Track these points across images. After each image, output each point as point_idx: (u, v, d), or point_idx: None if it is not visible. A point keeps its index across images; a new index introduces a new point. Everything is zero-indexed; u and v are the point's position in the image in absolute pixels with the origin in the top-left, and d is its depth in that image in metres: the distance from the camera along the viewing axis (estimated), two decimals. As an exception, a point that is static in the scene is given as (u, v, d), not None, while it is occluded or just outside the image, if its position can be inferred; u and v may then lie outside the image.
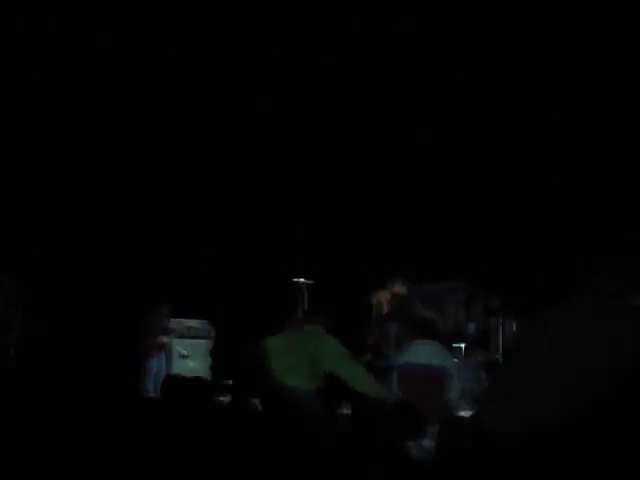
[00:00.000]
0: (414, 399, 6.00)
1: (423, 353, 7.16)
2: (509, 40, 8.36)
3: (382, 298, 9.62)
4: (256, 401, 6.40)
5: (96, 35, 9.85)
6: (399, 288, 9.59)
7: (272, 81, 10.19)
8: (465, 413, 6.08)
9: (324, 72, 9.79)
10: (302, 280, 9.70)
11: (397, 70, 9.43)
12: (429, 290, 10.00)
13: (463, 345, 9.82)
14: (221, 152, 11.26)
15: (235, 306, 11.54)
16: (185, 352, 11.80)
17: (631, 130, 8.65)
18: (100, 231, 11.63)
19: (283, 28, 9.54)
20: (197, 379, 5.66)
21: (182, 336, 11.87)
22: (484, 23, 8.22)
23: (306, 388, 6.46)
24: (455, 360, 7.58)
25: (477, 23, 8.25)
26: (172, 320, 11.77)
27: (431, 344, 7.28)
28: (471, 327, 9.66)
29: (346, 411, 7.21)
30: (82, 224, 11.54)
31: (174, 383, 5.40)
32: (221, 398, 8.38)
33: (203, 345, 11.85)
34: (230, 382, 10.14)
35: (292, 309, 9.34)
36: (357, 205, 11.19)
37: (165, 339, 11.52)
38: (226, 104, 10.74)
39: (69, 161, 11.27)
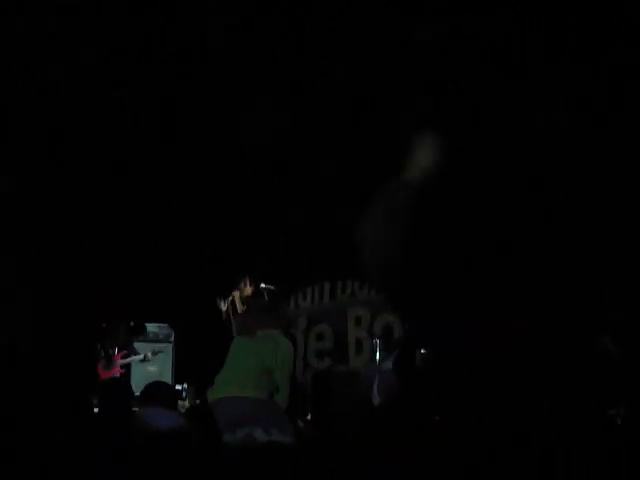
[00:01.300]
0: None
1: None
2: (511, 41, 8.39)
3: (235, 298, 9.63)
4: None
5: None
6: (247, 288, 9.61)
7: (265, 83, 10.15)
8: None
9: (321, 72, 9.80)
10: (265, 286, 9.60)
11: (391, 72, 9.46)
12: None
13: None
14: (185, 156, 11.18)
15: (196, 310, 11.39)
16: (142, 356, 11.60)
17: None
18: (57, 233, 11.47)
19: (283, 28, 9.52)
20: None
21: (142, 340, 11.72)
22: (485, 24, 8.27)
23: (256, 396, 6.29)
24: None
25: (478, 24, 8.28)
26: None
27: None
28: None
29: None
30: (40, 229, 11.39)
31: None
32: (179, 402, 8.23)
33: (163, 349, 11.64)
34: (182, 386, 9.99)
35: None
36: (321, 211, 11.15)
37: (122, 363, 11.24)
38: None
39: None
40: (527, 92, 8.84)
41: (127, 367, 11.32)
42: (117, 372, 11.09)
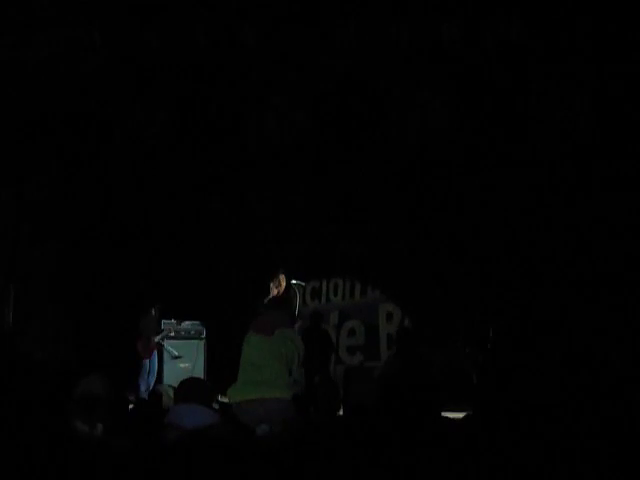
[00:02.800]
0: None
1: None
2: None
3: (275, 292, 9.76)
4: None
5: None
6: (283, 284, 9.73)
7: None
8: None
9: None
10: (296, 282, 9.61)
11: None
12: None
13: None
14: (215, 153, 11.25)
15: (228, 306, 11.46)
16: (177, 353, 11.71)
17: None
18: (91, 232, 11.60)
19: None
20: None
21: (174, 337, 11.80)
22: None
23: (284, 398, 6.34)
24: None
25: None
26: (164, 321, 11.74)
27: None
28: None
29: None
30: (73, 225, 11.52)
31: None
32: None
33: (195, 346, 11.72)
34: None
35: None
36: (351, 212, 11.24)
37: (158, 339, 11.51)
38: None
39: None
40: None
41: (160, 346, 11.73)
42: (155, 349, 11.51)
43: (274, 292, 9.68)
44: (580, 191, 9.44)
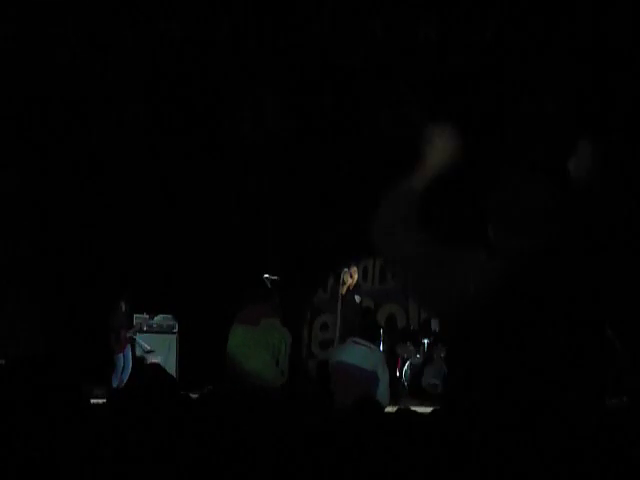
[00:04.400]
0: (345, 399, 5.85)
1: (357, 355, 6.91)
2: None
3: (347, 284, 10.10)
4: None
5: None
6: (352, 279, 9.93)
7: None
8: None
9: None
10: (269, 276, 9.61)
11: None
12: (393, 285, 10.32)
13: (426, 341, 10.36)
14: (188, 147, 11.19)
15: (200, 300, 11.40)
16: (149, 347, 11.63)
17: None
18: (61, 224, 11.50)
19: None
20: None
21: (146, 331, 11.72)
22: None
23: (274, 386, 6.32)
24: (384, 366, 7.31)
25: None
26: (136, 315, 11.65)
27: (367, 346, 7.02)
28: (434, 323, 10.03)
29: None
30: (42, 218, 11.43)
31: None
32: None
33: (167, 340, 11.65)
34: None
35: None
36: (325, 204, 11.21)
37: (130, 334, 11.40)
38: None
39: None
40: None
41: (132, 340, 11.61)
42: (128, 343, 11.36)
43: (348, 283, 9.92)
44: (558, 190, 9.46)
